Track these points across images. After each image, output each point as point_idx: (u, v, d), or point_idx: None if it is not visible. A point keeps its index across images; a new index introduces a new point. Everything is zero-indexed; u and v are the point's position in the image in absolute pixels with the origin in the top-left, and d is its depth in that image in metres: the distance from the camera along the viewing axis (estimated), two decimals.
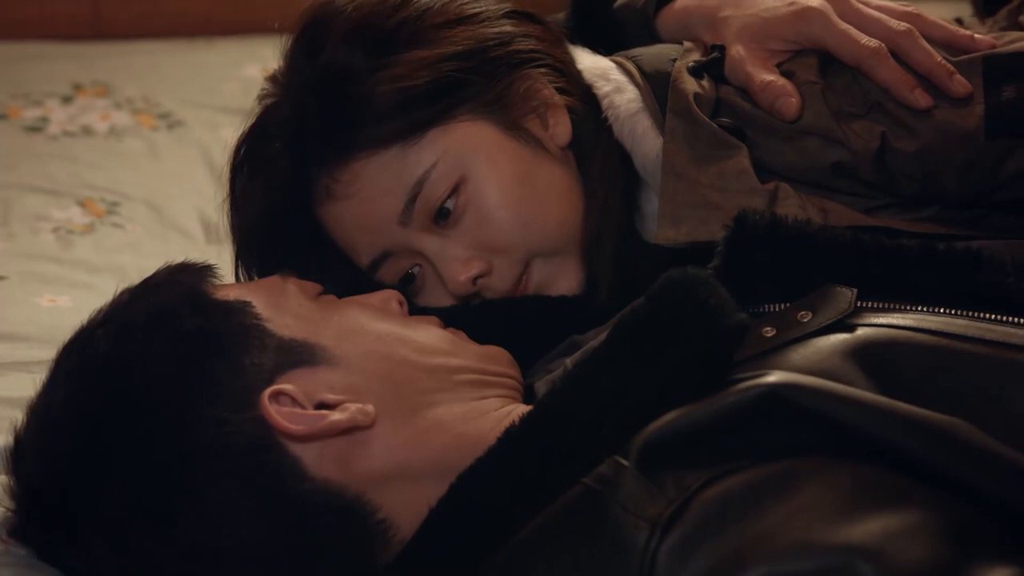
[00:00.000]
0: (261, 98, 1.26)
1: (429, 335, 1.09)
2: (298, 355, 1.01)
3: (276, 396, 0.98)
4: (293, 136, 1.21)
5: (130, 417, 0.98)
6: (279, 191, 1.22)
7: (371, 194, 1.20)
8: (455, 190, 1.19)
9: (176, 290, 1.04)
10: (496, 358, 1.11)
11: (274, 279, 1.09)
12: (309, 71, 1.22)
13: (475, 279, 1.20)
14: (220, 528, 0.97)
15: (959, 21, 1.38)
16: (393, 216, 1.20)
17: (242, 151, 1.26)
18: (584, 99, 1.25)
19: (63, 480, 0.99)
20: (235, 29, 2.17)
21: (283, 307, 1.04)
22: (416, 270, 1.23)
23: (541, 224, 1.21)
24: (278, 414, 0.97)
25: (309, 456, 0.98)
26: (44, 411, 1.01)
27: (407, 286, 1.23)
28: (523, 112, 1.23)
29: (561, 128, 1.24)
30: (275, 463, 0.97)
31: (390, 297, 1.13)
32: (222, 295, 1.04)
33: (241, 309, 1.03)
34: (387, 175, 1.19)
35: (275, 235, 1.24)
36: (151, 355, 1.00)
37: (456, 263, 1.20)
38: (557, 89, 1.25)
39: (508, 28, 1.24)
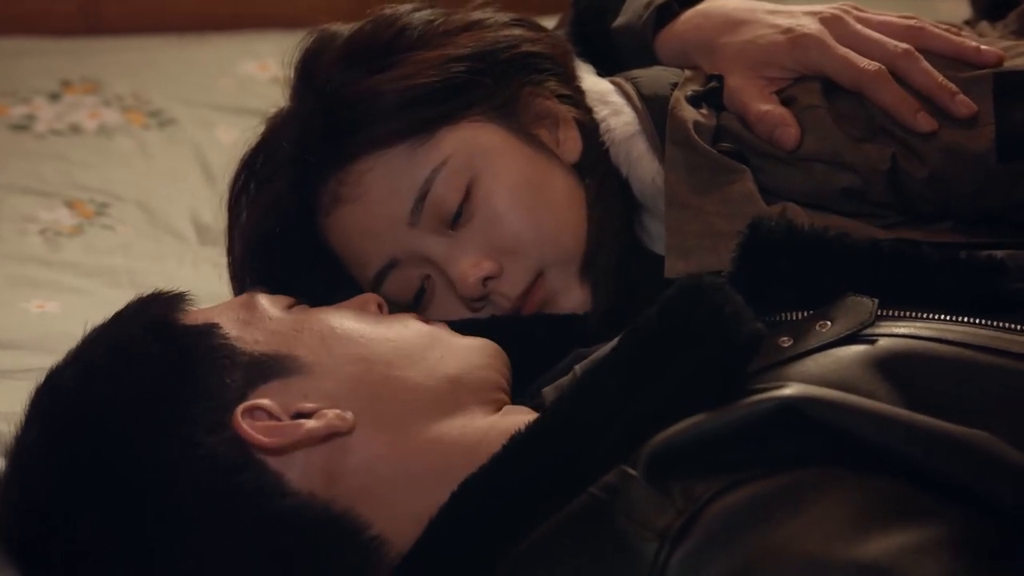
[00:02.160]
0: (263, 132, 1.28)
1: (408, 331, 1.09)
2: (270, 368, 1.01)
3: (251, 411, 0.98)
4: (298, 148, 1.22)
5: (101, 450, 0.98)
6: (283, 206, 1.23)
7: (379, 195, 1.20)
8: (465, 189, 1.20)
9: (141, 320, 1.04)
10: (481, 351, 1.10)
11: (242, 297, 1.09)
12: (310, 93, 1.23)
13: (485, 280, 1.20)
14: (205, 554, 0.97)
15: (968, 24, 1.38)
16: (401, 217, 1.20)
17: (244, 171, 1.27)
18: (589, 118, 1.26)
19: (40, 522, 0.99)
20: (229, 24, 2.17)
21: (252, 323, 1.04)
22: (424, 283, 1.23)
23: (554, 227, 1.21)
24: (252, 429, 0.97)
25: (293, 471, 0.98)
26: (18, 455, 1.02)
27: (415, 302, 1.23)
28: (534, 121, 1.24)
29: (572, 144, 1.25)
30: (254, 481, 0.97)
31: (368, 300, 1.13)
32: (189, 320, 1.05)
33: (207, 331, 1.03)
34: (395, 174, 1.20)
35: (276, 254, 1.24)
36: (117, 387, 1.00)
37: (465, 263, 1.20)
38: (565, 100, 1.26)
39: (517, 32, 1.26)
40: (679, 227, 1.18)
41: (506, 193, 1.20)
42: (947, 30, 1.24)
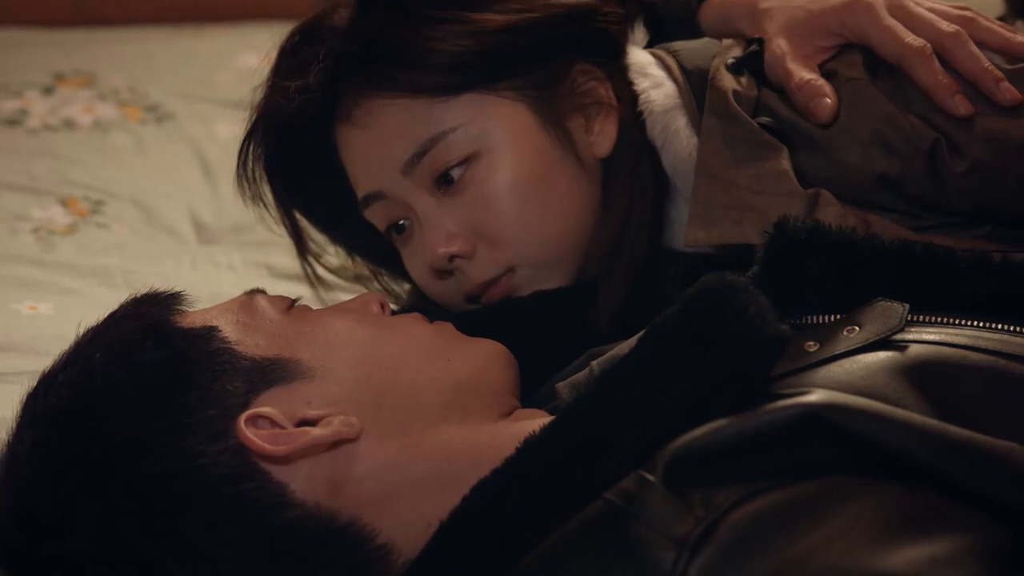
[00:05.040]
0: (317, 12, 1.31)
1: (413, 334, 1.10)
2: (272, 373, 1.02)
3: (254, 420, 0.99)
4: (338, 48, 1.25)
5: (95, 459, 0.99)
6: (306, 97, 1.26)
7: (384, 133, 1.24)
8: (466, 160, 1.23)
9: (137, 322, 1.05)
10: (489, 354, 1.12)
11: (240, 298, 1.10)
12: (374, 11, 1.26)
13: (453, 257, 1.24)
14: (205, 566, 0.97)
15: (1003, 20, 1.38)
16: (397, 163, 1.24)
17: (288, 45, 1.30)
18: (630, 99, 1.27)
19: (33, 532, 0.99)
20: (229, 15, 2.18)
21: (252, 326, 1.05)
22: (405, 223, 1.27)
23: (540, 231, 1.24)
24: (257, 437, 0.98)
25: (297, 481, 0.98)
26: (10, 462, 1.02)
27: (397, 234, 1.28)
28: (569, 109, 1.26)
29: (605, 138, 1.27)
30: (257, 492, 0.98)
31: (370, 300, 1.14)
32: (187, 323, 1.05)
33: (207, 335, 1.03)
34: (406, 121, 1.23)
35: (290, 135, 1.29)
36: (114, 392, 1.00)
37: (441, 233, 1.24)
38: (613, 78, 1.27)
39: (590, 2, 1.28)
40: (706, 197, 1.20)
41: (504, 182, 1.23)
42: (999, 24, 1.25)
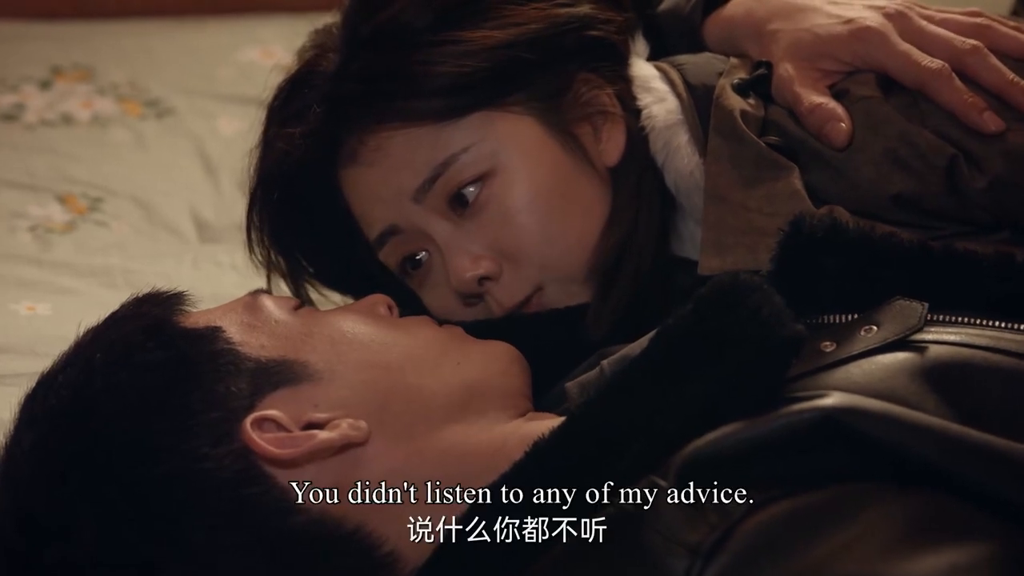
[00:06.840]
0: (305, 49, 1.30)
1: (421, 336, 1.10)
2: (278, 375, 1.02)
3: (259, 423, 0.99)
4: (333, 91, 1.25)
5: (96, 461, 0.99)
6: (307, 144, 1.26)
7: (392, 166, 1.23)
8: (481, 180, 1.22)
9: (139, 322, 1.05)
10: (500, 356, 1.12)
11: (245, 298, 1.10)
12: (367, 28, 1.25)
13: (481, 280, 1.23)
14: (206, 571, 0.98)
15: (1016, 15, 1.38)
16: (408, 190, 1.23)
17: (279, 99, 1.29)
18: (634, 112, 1.27)
19: (33, 536, 1.00)
20: (231, 8, 2.19)
21: (257, 327, 1.06)
22: (423, 256, 1.26)
23: (564, 242, 1.23)
24: (262, 440, 0.98)
25: (302, 485, 0.99)
26: (9, 465, 1.02)
27: (414, 270, 1.27)
28: (577, 118, 1.26)
29: (613, 145, 1.27)
30: (261, 496, 0.98)
31: (377, 302, 1.14)
32: (190, 323, 1.05)
33: (210, 335, 1.04)
34: (414, 150, 1.23)
35: (294, 189, 1.28)
36: (115, 393, 1.01)
37: (465, 257, 1.23)
38: (616, 88, 1.27)
39: (587, 11, 1.27)
40: (717, 222, 1.19)
41: (522, 196, 1.22)
42: (1015, 28, 1.24)
